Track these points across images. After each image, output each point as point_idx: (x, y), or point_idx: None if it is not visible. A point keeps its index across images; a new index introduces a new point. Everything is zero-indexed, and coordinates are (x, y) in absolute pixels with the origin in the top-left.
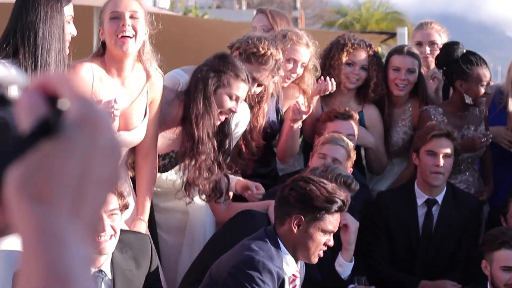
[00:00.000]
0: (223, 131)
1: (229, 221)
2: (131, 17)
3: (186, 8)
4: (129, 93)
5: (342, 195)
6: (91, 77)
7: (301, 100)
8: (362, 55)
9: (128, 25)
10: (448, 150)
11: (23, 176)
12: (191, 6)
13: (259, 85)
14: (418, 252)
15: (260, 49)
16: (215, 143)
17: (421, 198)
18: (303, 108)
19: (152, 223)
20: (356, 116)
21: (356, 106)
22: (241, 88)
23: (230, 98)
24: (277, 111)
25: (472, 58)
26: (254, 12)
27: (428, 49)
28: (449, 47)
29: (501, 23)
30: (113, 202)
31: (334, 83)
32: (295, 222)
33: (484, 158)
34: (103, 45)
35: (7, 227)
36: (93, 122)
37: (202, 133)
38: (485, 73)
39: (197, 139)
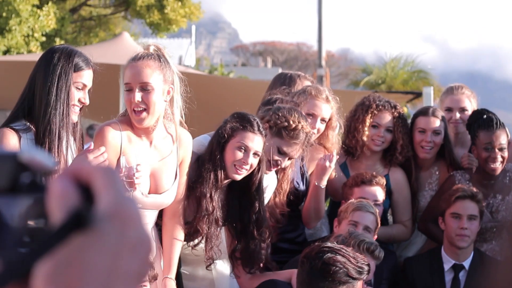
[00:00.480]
0: (250, 194)
1: None
2: (142, 89)
3: (212, 66)
4: (159, 154)
5: (365, 260)
6: (119, 139)
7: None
8: (387, 117)
9: (138, 100)
10: (473, 212)
11: (52, 270)
12: (217, 64)
13: (289, 158)
14: None
15: (291, 122)
16: (217, 203)
17: (448, 263)
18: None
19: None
20: (383, 181)
21: (382, 169)
22: (248, 138)
23: (239, 149)
24: (302, 174)
25: (481, 122)
26: (280, 70)
27: (458, 115)
28: (474, 114)
29: None
30: None
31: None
32: None
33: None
34: None
35: None
36: (124, 215)
37: (204, 189)
38: (490, 136)
39: (199, 196)
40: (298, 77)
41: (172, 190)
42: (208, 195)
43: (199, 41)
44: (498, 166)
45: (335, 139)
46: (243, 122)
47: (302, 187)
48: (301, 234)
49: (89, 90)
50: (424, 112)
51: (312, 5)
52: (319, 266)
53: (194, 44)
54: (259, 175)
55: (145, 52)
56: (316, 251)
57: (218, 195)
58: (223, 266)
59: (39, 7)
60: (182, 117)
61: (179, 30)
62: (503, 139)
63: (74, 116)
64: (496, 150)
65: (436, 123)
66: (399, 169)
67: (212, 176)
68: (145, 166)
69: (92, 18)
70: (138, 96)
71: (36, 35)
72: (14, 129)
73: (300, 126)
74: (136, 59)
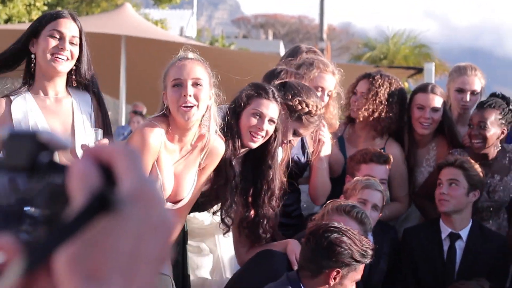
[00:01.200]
0: (265, 163)
1: (248, 262)
2: (194, 84)
3: (213, 38)
4: (185, 159)
5: (370, 244)
6: (159, 144)
7: (327, 133)
8: (364, 85)
9: (190, 95)
10: (453, 177)
11: (77, 253)
12: (218, 35)
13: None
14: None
15: (311, 108)
16: (235, 172)
17: (445, 232)
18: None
19: (184, 262)
20: (391, 160)
21: (378, 142)
22: (263, 105)
23: (254, 115)
24: (303, 146)
25: (479, 103)
26: (281, 42)
27: (468, 97)
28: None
29: None
30: None
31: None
32: (333, 275)
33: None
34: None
35: None
36: (146, 197)
37: (224, 157)
38: (475, 113)
39: (218, 164)
40: (307, 52)
41: (187, 198)
42: (228, 162)
43: (201, 12)
44: (479, 144)
45: (335, 110)
46: (258, 90)
47: (303, 160)
48: (297, 209)
49: (79, 53)
50: (423, 88)
51: None
52: (324, 245)
53: (196, 15)
54: (275, 144)
55: (190, 54)
56: (323, 229)
57: (236, 163)
58: (228, 241)
59: None
60: (218, 128)
61: (181, 1)
62: (485, 118)
63: (60, 66)
64: (475, 127)
65: (435, 100)
66: (395, 143)
67: (230, 144)
68: (170, 172)
69: None
70: (191, 90)
71: (37, 4)
72: (6, 96)
73: (319, 111)
74: (184, 58)
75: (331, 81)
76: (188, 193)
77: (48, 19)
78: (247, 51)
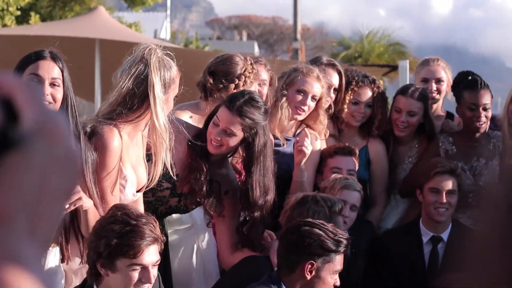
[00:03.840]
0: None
1: (233, 268)
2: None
3: (187, 39)
4: (135, 148)
5: (344, 235)
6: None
7: (309, 145)
8: (367, 93)
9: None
10: (452, 187)
11: None
12: (192, 37)
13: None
14: None
15: (247, 72)
16: (208, 166)
17: (426, 235)
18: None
19: (166, 256)
20: (356, 152)
21: (360, 141)
22: (223, 114)
23: (213, 124)
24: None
25: (466, 82)
26: (255, 43)
27: (434, 86)
28: (459, 75)
29: (500, 55)
30: (157, 254)
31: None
32: (308, 268)
33: None
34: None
35: None
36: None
37: (192, 160)
38: (475, 96)
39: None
40: (326, 64)
41: (145, 183)
42: (198, 156)
43: (174, 14)
44: (483, 125)
45: (325, 120)
46: (226, 100)
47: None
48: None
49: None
50: (404, 91)
51: None
52: (294, 239)
53: (169, 18)
54: (241, 156)
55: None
56: (293, 225)
57: (208, 163)
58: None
59: None
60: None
61: (154, 4)
62: (486, 99)
63: None
64: (480, 110)
65: (413, 104)
66: (378, 140)
67: (199, 148)
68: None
69: None
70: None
71: (10, 9)
72: None
73: (249, 65)
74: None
75: (315, 85)
76: (145, 178)
77: (27, 61)
78: (221, 53)
